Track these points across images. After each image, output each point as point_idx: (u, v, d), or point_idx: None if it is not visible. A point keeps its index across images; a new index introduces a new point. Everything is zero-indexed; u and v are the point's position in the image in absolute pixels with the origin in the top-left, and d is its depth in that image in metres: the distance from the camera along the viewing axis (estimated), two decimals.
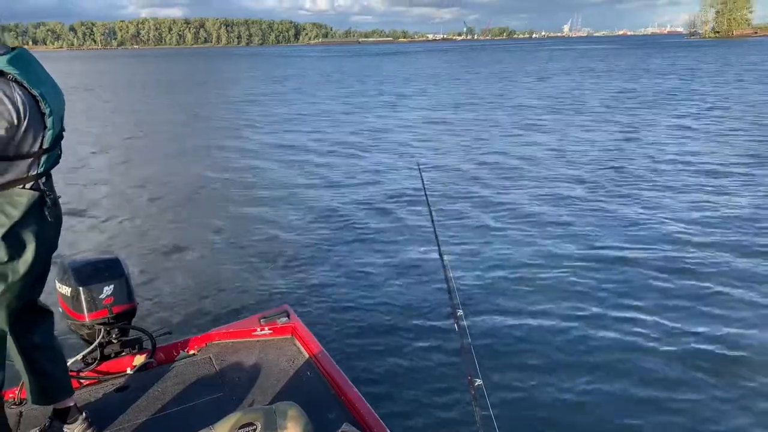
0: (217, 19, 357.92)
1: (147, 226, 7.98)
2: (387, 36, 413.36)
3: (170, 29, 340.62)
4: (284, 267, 6.37)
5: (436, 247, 2.98)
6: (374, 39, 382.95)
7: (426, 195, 3.65)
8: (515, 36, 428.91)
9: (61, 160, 2.32)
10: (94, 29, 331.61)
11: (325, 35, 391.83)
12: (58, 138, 2.20)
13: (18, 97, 1.99)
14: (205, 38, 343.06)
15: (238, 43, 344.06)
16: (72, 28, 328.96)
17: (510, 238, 7.17)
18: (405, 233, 7.47)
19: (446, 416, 3.76)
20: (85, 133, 16.57)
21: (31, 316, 2.44)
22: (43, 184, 2.17)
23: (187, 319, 5.03)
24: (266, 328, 3.43)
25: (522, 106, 20.70)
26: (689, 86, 25.88)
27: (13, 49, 2.11)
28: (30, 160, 2.09)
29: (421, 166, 4.70)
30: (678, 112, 17.78)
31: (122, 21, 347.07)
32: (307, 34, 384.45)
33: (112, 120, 19.99)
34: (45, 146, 2.12)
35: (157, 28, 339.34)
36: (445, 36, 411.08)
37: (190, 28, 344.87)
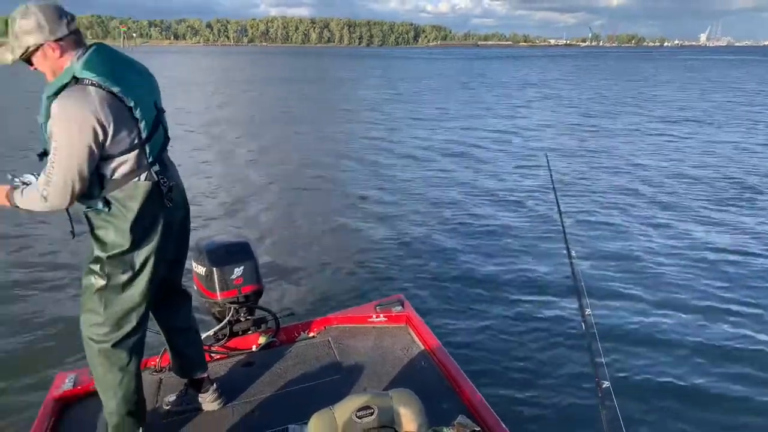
0: (341, 20, 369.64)
1: (276, 213, 8.39)
2: (507, 39, 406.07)
3: (297, 28, 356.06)
4: (402, 256, 6.50)
5: (564, 244, 2.88)
6: (493, 42, 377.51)
7: (554, 190, 3.57)
8: (645, 44, 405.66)
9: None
10: (228, 26, 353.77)
11: (444, 37, 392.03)
12: (155, 124, 2.20)
13: (97, 102, 1.98)
14: (329, 38, 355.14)
15: (359, 44, 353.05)
16: (209, 25, 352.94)
17: (642, 239, 6.95)
18: (529, 229, 7.40)
19: (568, 417, 3.64)
20: (225, 124, 17.56)
21: (171, 299, 2.64)
22: (157, 172, 2.21)
23: (307, 302, 5.25)
24: (381, 315, 3.52)
25: (661, 116, 19.52)
26: None
27: (89, 47, 2.12)
28: (135, 152, 2.12)
29: (549, 160, 4.61)
30: None
31: (253, 19, 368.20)
32: (426, 36, 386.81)
33: (252, 111, 21.05)
34: (144, 136, 2.14)
35: (284, 27, 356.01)
36: (568, 41, 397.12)
37: (315, 28, 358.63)
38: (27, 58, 2.10)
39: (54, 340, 4.86)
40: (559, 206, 2.95)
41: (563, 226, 3.11)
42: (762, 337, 4.62)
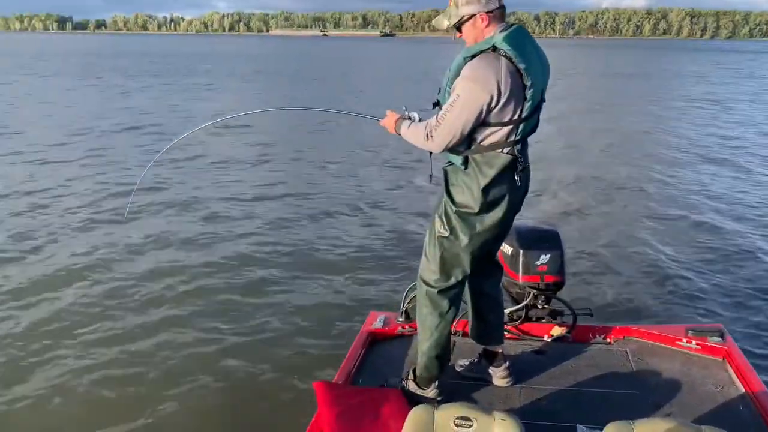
0: (682, 10, 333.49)
1: (592, 209, 8.17)
2: None
3: (629, 20, 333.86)
4: (725, 283, 5.68)
5: None
6: None
7: None
8: None
9: (537, 130, 2.49)
10: (556, 19, 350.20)
11: None
12: (536, 108, 2.37)
13: (503, 71, 2.20)
14: (665, 30, 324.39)
15: (701, 36, 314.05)
16: (536, 17, 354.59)
17: None
18: None
19: None
20: (565, 116, 17.46)
21: (486, 267, 2.78)
22: (518, 150, 2.38)
23: (605, 306, 5.00)
24: (693, 342, 3.15)
25: None
26: None
27: (510, 26, 2.33)
28: (509, 127, 2.32)
29: None
30: None
31: (583, 11, 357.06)
32: None
33: (589, 104, 20.81)
34: (523, 115, 2.31)
35: (615, 19, 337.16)
36: None
37: (649, 19, 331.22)
38: (459, 26, 2.41)
39: (370, 279, 5.66)
40: None
41: None
42: None
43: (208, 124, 3.71)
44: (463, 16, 2.34)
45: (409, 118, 2.57)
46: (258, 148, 12.33)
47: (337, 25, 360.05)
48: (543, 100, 2.44)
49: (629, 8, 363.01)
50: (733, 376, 2.89)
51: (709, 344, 3.11)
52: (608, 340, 3.33)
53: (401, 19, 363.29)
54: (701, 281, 5.70)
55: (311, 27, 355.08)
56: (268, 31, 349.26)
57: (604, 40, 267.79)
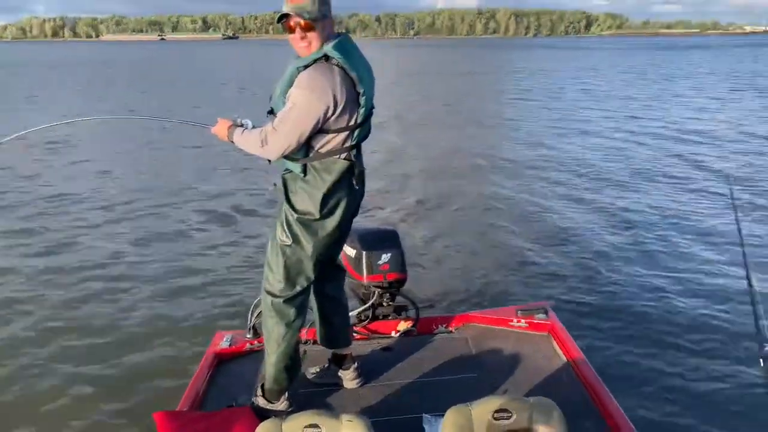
0: (508, 10, 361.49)
1: (425, 206, 8.52)
2: (693, 27, 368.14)
3: (463, 20, 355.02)
4: (549, 264, 6.24)
5: (743, 269, 2.53)
6: (678, 31, 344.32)
7: (735, 209, 3.20)
8: None
9: (370, 135, 2.57)
10: (396, 20, 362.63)
11: (619, 26, 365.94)
12: (368, 114, 2.47)
13: (338, 81, 2.27)
14: (494, 29, 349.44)
15: (526, 34, 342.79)
16: (377, 19, 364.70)
17: None
18: (702, 247, 6.66)
19: None
20: (393, 116, 17.88)
21: (328, 270, 2.82)
22: (354, 156, 2.46)
23: (446, 297, 5.28)
24: (522, 320, 3.44)
25: None
26: None
27: (339, 34, 2.40)
28: (345, 133, 2.38)
29: (731, 180, 4.15)
30: None
31: (420, 12, 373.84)
32: (599, 25, 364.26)
33: (416, 104, 21.42)
34: (358, 122, 2.39)
35: (450, 19, 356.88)
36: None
37: (480, 19, 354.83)
38: (313, 20, 2.29)
39: (213, 301, 5.45)
40: (740, 230, 2.59)
41: (744, 252, 2.64)
42: None
43: (20, 133, 3.20)
44: (326, 15, 2.33)
45: (242, 125, 2.54)
46: (84, 163, 11.45)
47: (175, 29, 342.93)
48: (373, 106, 2.52)
49: (462, 9, 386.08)
50: (557, 348, 3.21)
51: (535, 321, 3.42)
52: (450, 328, 3.54)
53: (244, 21, 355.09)
54: (532, 264, 6.24)
55: (147, 31, 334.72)
56: (98, 36, 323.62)
57: (442, 39, 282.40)
